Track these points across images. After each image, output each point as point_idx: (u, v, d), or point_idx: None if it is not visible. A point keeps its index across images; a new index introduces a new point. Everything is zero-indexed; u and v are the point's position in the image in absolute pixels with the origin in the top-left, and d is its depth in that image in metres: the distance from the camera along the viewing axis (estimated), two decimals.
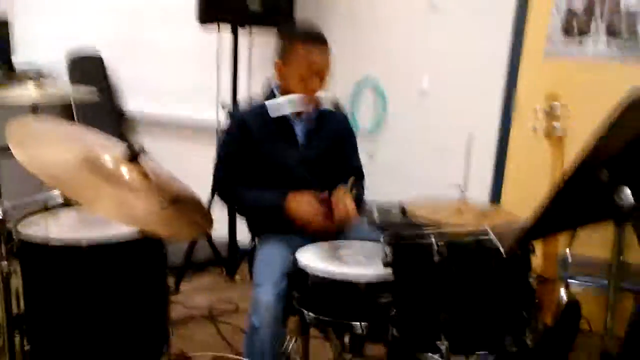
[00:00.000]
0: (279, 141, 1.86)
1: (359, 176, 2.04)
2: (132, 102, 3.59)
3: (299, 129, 1.90)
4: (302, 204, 1.74)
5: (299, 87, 1.78)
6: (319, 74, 1.78)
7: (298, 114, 1.86)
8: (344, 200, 1.73)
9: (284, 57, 1.81)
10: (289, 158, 1.87)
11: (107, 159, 1.40)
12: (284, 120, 1.86)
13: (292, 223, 1.77)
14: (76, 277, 1.47)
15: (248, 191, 1.85)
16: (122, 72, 3.57)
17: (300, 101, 1.79)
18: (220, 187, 1.93)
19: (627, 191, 1.01)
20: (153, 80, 3.49)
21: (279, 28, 1.90)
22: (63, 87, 3.39)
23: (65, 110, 3.44)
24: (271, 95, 1.89)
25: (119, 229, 1.45)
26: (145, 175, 1.44)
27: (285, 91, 1.84)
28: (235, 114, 1.94)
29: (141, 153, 1.46)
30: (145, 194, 1.36)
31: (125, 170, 1.41)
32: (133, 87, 3.57)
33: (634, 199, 1.02)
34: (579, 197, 1.01)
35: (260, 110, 1.86)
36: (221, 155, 1.94)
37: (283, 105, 1.79)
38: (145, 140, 3.62)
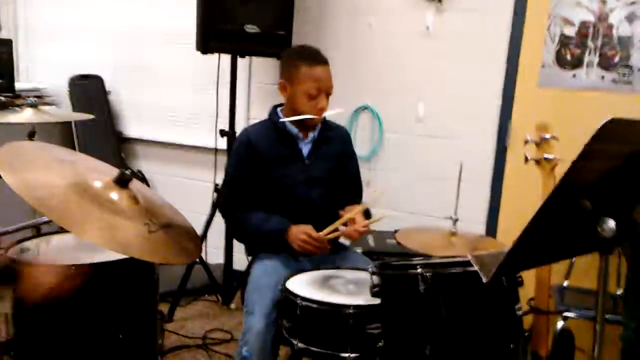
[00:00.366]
0: (285, 160, 1.91)
1: (359, 191, 2.13)
2: (132, 127, 3.64)
3: (305, 149, 1.95)
4: (301, 236, 1.77)
5: (308, 106, 1.84)
6: (326, 91, 1.86)
7: (304, 132, 1.93)
8: (361, 221, 1.80)
9: (290, 78, 1.88)
10: (294, 177, 1.91)
11: (97, 184, 1.41)
12: (290, 139, 1.93)
13: (287, 244, 1.82)
14: (64, 302, 1.46)
15: (251, 215, 1.87)
16: (122, 96, 3.63)
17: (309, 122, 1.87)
18: (224, 206, 1.99)
19: (610, 222, 1.00)
20: (152, 105, 3.55)
21: (282, 52, 1.97)
22: (62, 111, 3.45)
23: (66, 134, 3.49)
24: (276, 117, 1.95)
25: (110, 254, 1.45)
26: (134, 199, 1.45)
27: (292, 112, 1.89)
28: (241, 134, 1.97)
29: (132, 178, 1.47)
30: (134, 219, 1.37)
31: (115, 195, 1.41)
32: (133, 111, 3.63)
33: (619, 230, 1.02)
34: (559, 227, 1.01)
35: (266, 130, 1.94)
36: (228, 175, 1.99)
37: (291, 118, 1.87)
38: (144, 165, 3.66)
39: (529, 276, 1.40)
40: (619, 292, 2.43)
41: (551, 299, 1.99)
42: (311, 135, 1.96)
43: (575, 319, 2.21)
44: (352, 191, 2.10)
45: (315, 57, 1.87)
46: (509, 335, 1.25)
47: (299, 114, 1.85)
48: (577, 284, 2.59)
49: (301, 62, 1.85)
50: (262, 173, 1.89)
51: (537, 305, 1.82)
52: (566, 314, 2.19)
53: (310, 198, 1.90)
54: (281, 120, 1.91)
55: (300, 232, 1.78)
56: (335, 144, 2.02)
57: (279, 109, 1.98)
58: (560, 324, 2.20)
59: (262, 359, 1.61)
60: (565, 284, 2.57)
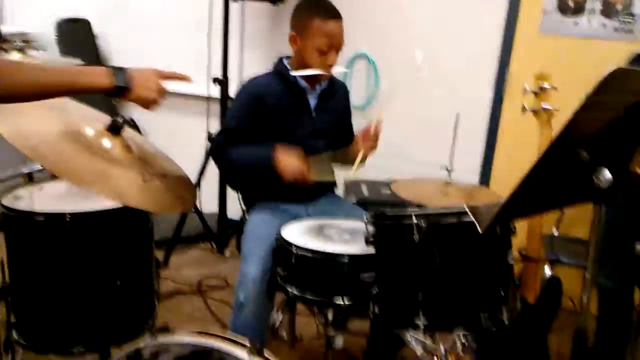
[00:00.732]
0: (292, 112, 1.89)
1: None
2: None
3: (312, 101, 1.93)
4: (290, 158, 1.73)
5: (317, 61, 1.80)
6: (336, 47, 1.82)
7: (312, 85, 1.91)
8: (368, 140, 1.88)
9: (301, 31, 1.82)
10: (301, 129, 1.90)
11: (90, 132, 1.39)
12: (299, 91, 1.90)
13: (281, 187, 1.77)
14: (60, 249, 1.47)
15: (238, 148, 1.83)
16: (111, 41, 3.53)
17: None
18: (216, 152, 1.90)
19: (606, 172, 1.01)
20: (143, 50, 3.44)
21: (297, 2, 1.88)
22: (50, 54, 3.35)
23: None
24: (284, 69, 1.90)
25: (104, 201, 1.45)
26: (128, 148, 1.43)
27: (300, 65, 1.85)
28: (247, 83, 1.93)
29: (124, 126, 1.44)
30: (127, 167, 1.35)
31: (107, 143, 1.39)
32: (122, 56, 3.53)
33: (614, 181, 1.02)
34: (556, 177, 1.01)
35: (274, 82, 1.90)
36: (227, 123, 1.91)
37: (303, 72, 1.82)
38: (136, 112, 3.60)
39: (520, 225, 1.41)
40: None
41: (541, 248, 2.03)
42: (318, 88, 1.93)
43: (564, 266, 2.27)
44: (348, 143, 2.10)
45: (329, 12, 1.81)
46: (500, 282, 1.28)
47: (307, 68, 1.81)
48: (566, 232, 2.63)
49: (314, 15, 1.79)
50: (268, 125, 1.86)
51: (527, 253, 1.85)
52: (555, 261, 2.24)
53: (316, 150, 1.89)
54: (292, 74, 1.86)
55: (288, 163, 1.72)
56: (339, 98, 2.04)
57: (285, 61, 1.94)
58: (547, 270, 2.26)
59: (258, 305, 1.64)
60: (555, 233, 2.62)
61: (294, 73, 1.84)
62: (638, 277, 2.03)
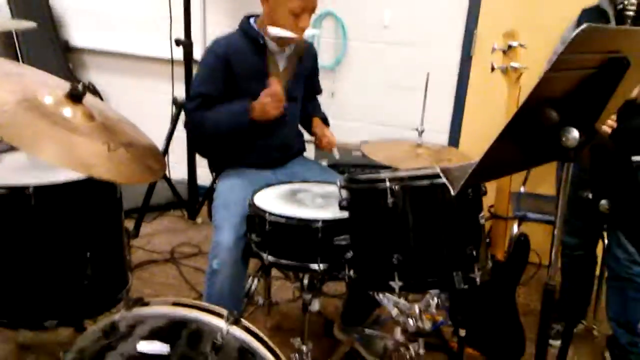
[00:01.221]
0: (262, 75, 1.83)
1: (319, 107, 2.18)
2: (79, 35, 3.39)
3: (281, 64, 1.89)
4: (266, 98, 1.72)
5: (289, 23, 1.75)
6: (310, 10, 1.77)
7: (281, 47, 1.86)
8: (325, 132, 1.96)
9: None
10: None
11: (49, 100, 1.32)
12: (268, 54, 1.84)
13: (251, 151, 1.82)
14: (25, 223, 1.42)
15: (212, 111, 1.80)
16: (66, 1, 3.34)
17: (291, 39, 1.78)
18: (189, 120, 1.85)
19: (574, 132, 1.02)
20: (99, 11, 3.29)
21: None
22: (1, 20, 3.17)
23: (7, 44, 3.23)
24: (251, 29, 1.85)
25: (68, 173, 1.40)
26: (90, 116, 1.37)
27: (270, 25, 1.78)
28: (213, 44, 1.86)
29: (86, 93, 1.38)
30: (90, 136, 1.30)
31: (68, 111, 1.33)
32: (78, 17, 3.36)
33: (581, 139, 1.04)
34: (525, 138, 1.01)
35: (241, 43, 1.84)
36: (194, 88, 1.84)
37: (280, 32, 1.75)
38: (94, 77, 3.47)
39: (489, 184, 1.43)
40: None
41: (510, 205, 2.07)
42: (287, 50, 1.88)
43: (529, 222, 2.34)
44: (315, 105, 2.15)
45: None
46: (472, 242, 1.30)
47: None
48: (533, 190, 2.70)
49: None
50: (235, 87, 1.81)
51: (496, 211, 1.89)
52: (524, 218, 2.31)
53: (285, 113, 1.85)
54: (269, 30, 1.77)
55: (264, 97, 1.71)
56: (307, 61, 2.00)
57: (251, 21, 1.87)
58: (516, 228, 2.32)
59: (233, 272, 1.63)
60: (522, 190, 2.68)
61: (271, 30, 1.76)
62: (601, 233, 2.11)
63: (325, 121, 2.08)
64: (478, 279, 1.29)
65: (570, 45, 0.84)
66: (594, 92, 1.01)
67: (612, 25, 1.85)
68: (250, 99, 1.75)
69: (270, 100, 1.70)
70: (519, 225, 2.33)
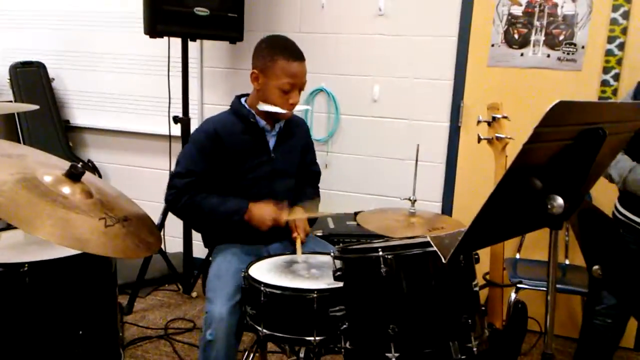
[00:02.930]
0: (251, 152, 1.87)
1: (318, 180, 2.16)
2: (79, 115, 3.50)
3: (271, 141, 1.92)
4: (263, 211, 1.79)
5: (280, 100, 1.81)
6: (300, 87, 1.84)
7: (271, 124, 1.91)
8: (302, 224, 1.87)
9: (265, 70, 1.82)
10: (261, 170, 1.88)
11: (48, 179, 1.36)
12: (258, 131, 1.89)
13: (248, 229, 1.80)
14: (20, 300, 1.42)
15: (205, 200, 1.82)
16: (67, 83, 3.49)
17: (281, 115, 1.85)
18: (176, 197, 1.83)
19: (559, 199, 1.05)
20: (100, 92, 3.43)
21: (260, 41, 1.89)
22: (4, 100, 3.29)
23: (9, 124, 3.33)
24: (242, 108, 1.90)
25: (64, 250, 1.41)
26: (88, 193, 1.41)
27: (262, 102, 1.85)
28: (203, 123, 1.91)
29: (85, 172, 1.42)
30: (87, 213, 1.33)
31: (67, 190, 1.37)
32: (79, 99, 3.49)
33: (567, 205, 1.07)
34: (512, 206, 1.05)
35: (231, 121, 1.88)
36: (183, 165, 1.85)
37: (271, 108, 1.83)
38: (93, 154, 3.55)
39: (483, 250, 1.45)
40: (567, 262, 2.57)
41: (505, 272, 2.07)
42: (277, 127, 1.93)
43: (528, 289, 2.32)
44: (310, 180, 2.12)
45: (293, 53, 1.82)
46: (466, 310, 1.30)
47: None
48: (528, 256, 2.71)
49: (279, 56, 1.80)
50: (226, 165, 1.84)
51: (492, 278, 1.88)
52: (519, 285, 2.29)
53: (274, 191, 1.88)
54: (259, 107, 1.84)
55: (267, 217, 1.78)
56: (299, 137, 2.02)
57: (242, 100, 1.93)
58: (513, 295, 2.31)
59: (227, 343, 1.60)
60: (518, 256, 2.69)
61: (261, 106, 1.83)
62: (595, 298, 2.09)
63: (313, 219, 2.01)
64: (475, 349, 1.28)
65: (544, 119, 0.89)
66: (574, 161, 1.05)
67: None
68: (246, 201, 1.81)
69: (271, 224, 1.78)
70: (516, 292, 2.32)
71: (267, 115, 1.87)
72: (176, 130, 2.92)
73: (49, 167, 1.42)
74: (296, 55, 1.82)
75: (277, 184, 1.91)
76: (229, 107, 1.96)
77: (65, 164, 1.44)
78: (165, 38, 2.74)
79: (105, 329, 1.60)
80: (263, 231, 1.80)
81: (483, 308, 1.42)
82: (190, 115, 2.91)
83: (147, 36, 2.60)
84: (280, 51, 1.82)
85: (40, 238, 1.53)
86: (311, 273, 1.62)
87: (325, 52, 2.93)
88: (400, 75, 2.85)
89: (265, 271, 1.62)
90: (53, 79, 3.44)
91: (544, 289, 2.28)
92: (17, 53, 3.44)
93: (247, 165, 1.86)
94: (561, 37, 2.59)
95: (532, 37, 2.63)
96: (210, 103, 3.22)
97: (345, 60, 2.92)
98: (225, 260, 1.80)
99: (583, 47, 2.56)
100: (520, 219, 1.11)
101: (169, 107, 2.97)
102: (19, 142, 3.22)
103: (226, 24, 2.74)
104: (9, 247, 1.62)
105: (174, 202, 1.84)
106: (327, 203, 2.19)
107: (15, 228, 1.71)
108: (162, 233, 2.99)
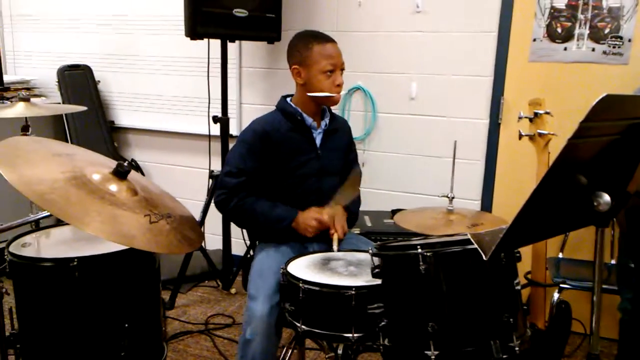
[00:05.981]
0: (300, 150, 1.90)
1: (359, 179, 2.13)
2: (123, 116, 3.62)
3: (318, 139, 1.95)
4: (311, 222, 1.82)
5: (326, 84, 1.85)
6: (340, 66, 1.87)
7: (318, 122, 1.94)
8: (340, 222, 1.85)
9: (303, 61, 1.87)
10: (309, 167, 1.91)
11: (96, 177, 1.41)
12: (305, 129, 1.92)
13: (294, 234, 1.84)
14: (68, 294, 1.48)
15: (255, 204, 1.85)
16: (112, 85, 3.61)
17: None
18: (227, 199, 1.85)
19: (605, 196, 1.02)
20: (143, 93, 3.53)
21: (290, 41, 1.94)
22: (53, 102, 3.42)
23: (58, 125, 3.47)
24: (289, 107, 1.93)
25: (111, 245, 1.46)
26: (134, 191, 1.45)
27: (306, 96, 1.88)
28: (252, 123, 1.94)
29: (130, 170, 1.47)
30: (133, 210, 1.37)
31: (114, 187, 1.42)
32: (123, 100, 3.61)
33: (614, 203, 1.04)
34: (556, 203, 1.02)
35: (279, 120, 1.91)
36: (233, 164, 1.87)
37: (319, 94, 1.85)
38: (137, 154, 3.65)
39: (525, 250, 1.42)
40: (613, 262, 2.48)
41: (547, 272, 2.02)
42: (323, 125, 1.96)
43: (571, 289, 2.26)
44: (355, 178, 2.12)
45: (324, 37, 1.89)
46: (508, 309, 1.28)
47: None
48: (572, 255, 2.63)
49: (312, 43, 1.86)
50: (275, 163, 1.87)
51: (534, 278, 1.85)
52: (562, 285, 2.23)
53: (322, 189, 1.90)
54: (308, 94, 1.86)
55: (310, 219, 1.82)
56: (342, 135, 2.04)
57: (288, 99, 1.96)
58: (556, 295, 2.25)
59: (266, 342, 1.63)
60: (561, 256, 2.62)
61: (310, 94, 1.86)
62: None
63: (348, 210, 1.98)
64: (517, 348, 1.26)
65: (590, 113, 0.87)
66: (620, 157, 1.03)
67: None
68: (295, 210, 1.84)
69: (316, 226, 1.81)
70: (559, 293, 2.26)
71: (315, 111, 1.91)
72: (215, 130, 2.97)
73: (97, 166, 1.47)
74: (327, 38, 1.89)
75: (324, 182, 1.92)
76: (272, 107, 1.99)
77: (112, 163, 1.49)
78: (205, 40, 2.80)
79: (149, 322, 1.66)
80: (309, 237, 1.84)
81: (525, 307, 1.40)
82: (229, 115, 2.96)
83: (188, 38, 2.66)
84: (312, 39, 1.88)
85: (87, 234, 1.59)
86: (349, 270, 1.63)
87: (362, 50, 2.93)
88: (438, 72, 2.81)
89: (304, 268, 1.63)
90: (99, 81, 3.56)
91: (589, 289, 2.22)
92: (64, 57, 3.58)
93: (296, 162, 1.88)
94: (606, 30, 2.51)
95: (576, 31, 2.55)
96: (248, 103, 3.26)
97: (382, 58, 2.91)
98: (268, 257, 1.83)
99: (630, 40, 2.47)
100: (565, 217, 1.09)
101: (209, 107, 3.03)
102: (67, 142, 3.35)
103: (264, 24, 2.78)
104: (58, 242, 1.70)
105: (224, 204, 1.86)
106: (365, 201, 2.18)
107: (64, 224, 1.79)
108: (202, 230, 3.05)
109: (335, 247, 1.79)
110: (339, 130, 2.03)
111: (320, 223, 1.82)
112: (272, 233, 1.89)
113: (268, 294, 1.66)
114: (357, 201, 2.10)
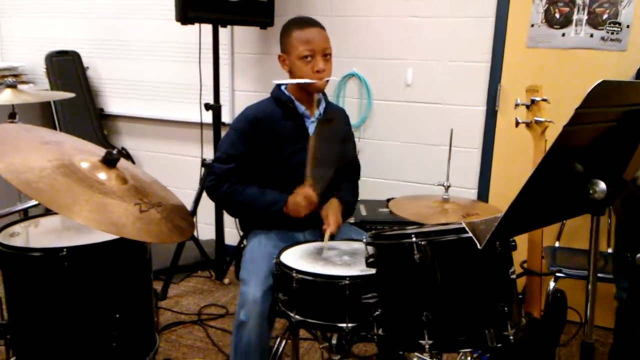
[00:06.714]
0: (291, 138, 1.87)
1: (357, 175, 2.13)
2: (113, 103, 3.57)
3: (311, 127, 1.92)
4: (297, 198, 1.77)
5: (306, 70, 1.81)
6: (320, 51, 1.81)
7: (311, 110, 1.90)
8: (334, 216, 1.82)
9: (286, 48, 1.85)
10: (300, 156, 1.86)
11: (85, 165, 1.38)
12: (297, 117, 1.89)
13: (285, 218, 1.81)
14: (58, 284, 1.46)
15: (244, 189, 1.83)
16: (101, 72, 3.55)
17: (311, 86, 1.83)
18: (217, 184, 1.84)
19: (601, 184, 1.01)
20: (132, 80, 3.47)
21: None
22: (40, 89, 3.37)
23: (46, 112, 3.42)
24: (281, 94, 1.91)
25: (101, 234, 1.44)
26: (123, 179, 1.43)
27: (295, 84, 1.86)
28: (246, 111, 1.92)
29: (120, 158, 1.44)
30: (123, 199, 1.34)
31: (103, 176, 1.39)
32: (113, 87, 3.55)
33: (609, 191, 1.02)
34: (552, 191, 1.01)
35: (271, 108, 1.89)
36: (223, 150, 1.87)
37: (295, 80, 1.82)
38: (127, 141, 3.61)
39: (521, 238, 1.41)
40: (610, 250, 2.48)
41: (543, 260, 2.01)
42: (316, 113, 1.92)
43: (567, 278, 2.25)
44: (350, 171, 2.09)
45: (304, 21, 1.85)
46: (503, 298, 1.27)
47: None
48: (568, 244, 2.63)
49: (292, 29, 1.83)
50: (265, 150, 1.85)
51: (529, 267, 1.83)
52: (558, 274, 2.23)
53: (316, 178, 1.88)
54: (273, 81, 1.85)
55: (298, 197, 1.77)
56: (340, 124, 2.01)
57: (283, 87, 1.94)
58: (552, 284, 2.24)
59: (260, 324, 1.61)
60: (557, 244, 2.61)
61: (275, 81, 1.83)
62: (639, 288, 2.01)
63: (343, 201, 1.95)
64: (512, 337, 1.24)
65: (586, 100, 0.85)
66: (618, 144, 1.00)
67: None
68: (285, 194, 1.80)
69: (303, 201, 1.76)
70: (555, 281, 2.25)
71: (307, 99, 1.87)
72: (207, 117, 2.94)
73: (86, 154, 1.44)
74: (308, 22, 1.84)
75: (316, 171, 1.89)
76: (266, 94, 1.96)
77: (101, 151, 1.46)
78: (197, 25, 2.75)
79: (140, 313, 1.64)
80: (301, 218, 1.80)
81: (520, 296, 1.39)
82: (222, 102, 2.92)
83: (179, 23, 2.61)
84: (293, 24, 1.85)
85: (77, 223, 1.57)
86: (343, 260, 1.61)
87: (356, 35, 2.89)
88: (435, 59, 2.78)
89: (298, 257, 1.62)
90: (87, 67, 3.51)
91: (585, 278, 2.21)
92: (52, 42, 3.51)
93: (286, 151, 1.86)
94: (605, 16, 2.48)
95: (575, 17, 2.52)
96: (241, 90, 3.22)
97: (377, 44, 2.87)
98: (260, 244, 1.82)
99: (628, 26, 2.44)
100: (560, 205, 1.07)
101: (200, 94, 2.98)
102: (56, 129, 3.30)
103: (256, 9, 2.73)
104: (48, 232, 1.67)
105: (214, 190, 1.85)
106: (359, 190, 2.16)
107: (53, 214, 1.76)
108: (194, 220, 3.03)
109: (326, 241, 1.76)
110: (335, 120, 1.99)
111: (308, 199, 1.76)
112: (263, 219, 1.87)
113: (261, 278, 1.65)
114: (353, 193, 2.08)
